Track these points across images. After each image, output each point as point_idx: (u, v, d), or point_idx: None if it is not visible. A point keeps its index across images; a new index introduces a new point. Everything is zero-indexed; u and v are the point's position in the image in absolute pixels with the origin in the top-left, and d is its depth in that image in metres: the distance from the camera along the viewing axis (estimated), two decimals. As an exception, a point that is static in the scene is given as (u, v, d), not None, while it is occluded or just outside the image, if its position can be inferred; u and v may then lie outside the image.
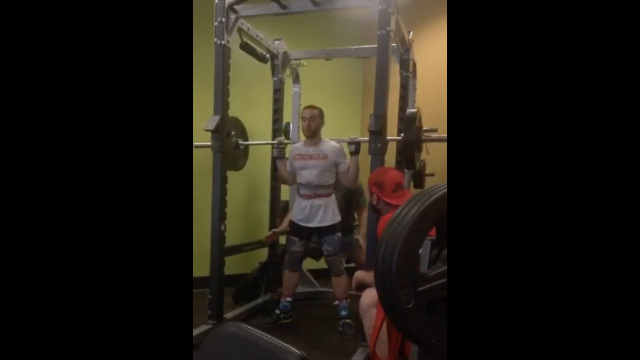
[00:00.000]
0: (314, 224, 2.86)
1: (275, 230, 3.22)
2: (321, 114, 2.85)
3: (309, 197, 2.86)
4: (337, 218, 2.90)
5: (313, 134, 2.82)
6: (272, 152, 3.12)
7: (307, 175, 2.83)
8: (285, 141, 3.12)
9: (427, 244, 1.18)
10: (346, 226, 3.14)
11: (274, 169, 3.46)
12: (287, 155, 3.05)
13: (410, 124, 2.41)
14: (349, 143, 2.72)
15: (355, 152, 2.71)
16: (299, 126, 3.59)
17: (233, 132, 3.14)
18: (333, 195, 2.93)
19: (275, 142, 3.10)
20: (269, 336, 0.87)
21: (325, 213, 2.84)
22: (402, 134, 2.56)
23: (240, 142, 3.25)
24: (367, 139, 2.40)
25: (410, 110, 2.50)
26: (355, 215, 3.43)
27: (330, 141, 2.90)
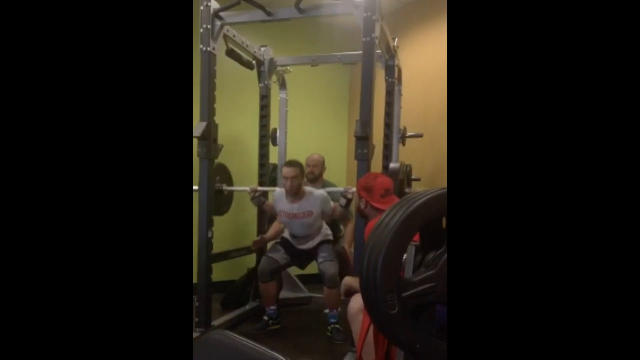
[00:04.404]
0: (306, 248, 2.97)
1: (263, 236, 3.21)
2: (301, 169, 2.87)
3: (301, 243, 2.97)
4: (330, 238, 3.01)
5: (296, 192, 2.84)
6: (252, 202, 3.07)
7: (295, 230, 2.94)
8: (259, 188, 3.08)
9: (411, 249, 1.19)
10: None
11: (261, 175, 3.47)
12: (268, 185, 3.12)
13: (393, 178, 2.45)
14: (342, 195, 2.75)
15: (344, 207, 2.77)
16: (285, 132, 3.61)
17: (218, 178, 3.09)
18: (323, 226, 3.01)
19: (248, 189, 3.04)
20: (254, 344, 0.87)
21: (317, 240, 2.97)
22: None
23: (224, 187, 3.21)
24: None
25: (393, 165, 2.53)
26: (341, 227, 3.44)
27: (313, 192, 2.88)
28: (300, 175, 2.84)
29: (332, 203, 2.89)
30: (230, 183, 3.43)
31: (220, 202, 3.26)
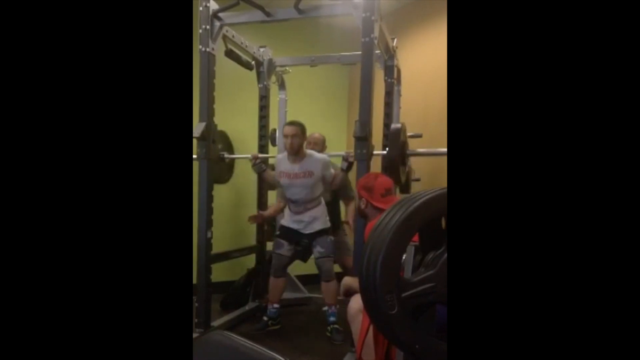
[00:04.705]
0: (305, 232, 2.90)
1: (261, 212, 3.20)
2: (303, 130, 2.83)
3: (299, 212, 2.91)
4: (328, 224, 2.95)
5: (296, 151, 2.82)
6: (253, 169, 3.08)
7: (295, 194, 2.87)
8: (260, 155, 3.11)
9: (410, 249, 1.19)
10: (332, 223, 3.15)
11: (261, 178, 3.47)
12: (270, 162, 3.06)
13: (394, 138, 2.43)
14: (343, 159, 2.74)
15: (345, 170, 2.75)
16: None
17: (220, 146, 3.13)
18: (322, 203, 2.96)
19: (249, 156, 3.05)
20: (253, 344, 0.87)
21: (316, 222, 2.90)
22: (387, 149, 2.58)
23: (226, 155, 3.26)
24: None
25: (394, 126, 2.52)
26: (342, 208, 3.46)
27: (314, 154, 2.89)
28: (301, 135, 2.81)
29: (332, 170, 2.89)
30: (231, 151, 3.41)
31: (222, 169, 3.25)
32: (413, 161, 3.33)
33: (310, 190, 2.85)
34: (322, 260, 2.87)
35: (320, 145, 3.35)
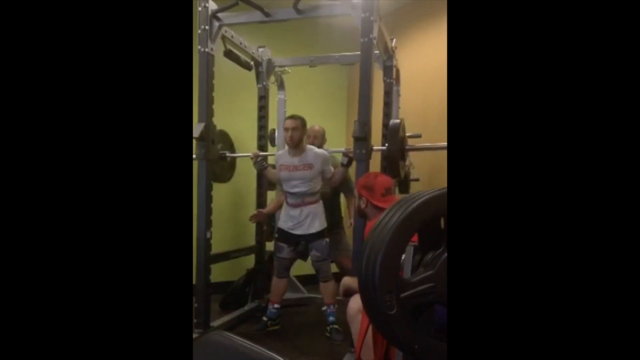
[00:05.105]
0: (301, 232, 2.88)
1: (261, 210, 3.21)
2: (303, 123, 2.83)
3: (297, 205, 2.88)
4: (324, 224, 2.94)
5: (296, 144, 2.82)
6: (254, 166, 3.10)
7: (294, 186, 2.86)
8: (261, 153, 3.13)
9: (409, 249, 1.19)
10: (332, 221, 3.14)
11: (260, 177, 3.46)
12: (270, 161, 3.06)
13: (393, 134, 2.43)
14: (343, 154, 2.75)
15: (345, 165, 2.75)
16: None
17: (220, 145, 3.15)
18: (320, 202, 2.95)
19: (250, 154, 3.07)
20: (253, 344, 0.87)
21: (313, 221, 2.87)
22: (386, 144, 2.58)
23: (228, 154, 3.27)
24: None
25: (393, 121, 2.53)
26: (343, 199, 3.46)
27: (314, 148, 2.90)
28: (302, 129, 2.82)
29: (332, 168, 2.89)
30: (233, 150, 3.41)
31: (224, 168, 3.25)
32: (412, 160, 3.33)
33: (309, 183, 2.84)
34: (318, 264, 2.89)
35: (320, 138, 3.35)
